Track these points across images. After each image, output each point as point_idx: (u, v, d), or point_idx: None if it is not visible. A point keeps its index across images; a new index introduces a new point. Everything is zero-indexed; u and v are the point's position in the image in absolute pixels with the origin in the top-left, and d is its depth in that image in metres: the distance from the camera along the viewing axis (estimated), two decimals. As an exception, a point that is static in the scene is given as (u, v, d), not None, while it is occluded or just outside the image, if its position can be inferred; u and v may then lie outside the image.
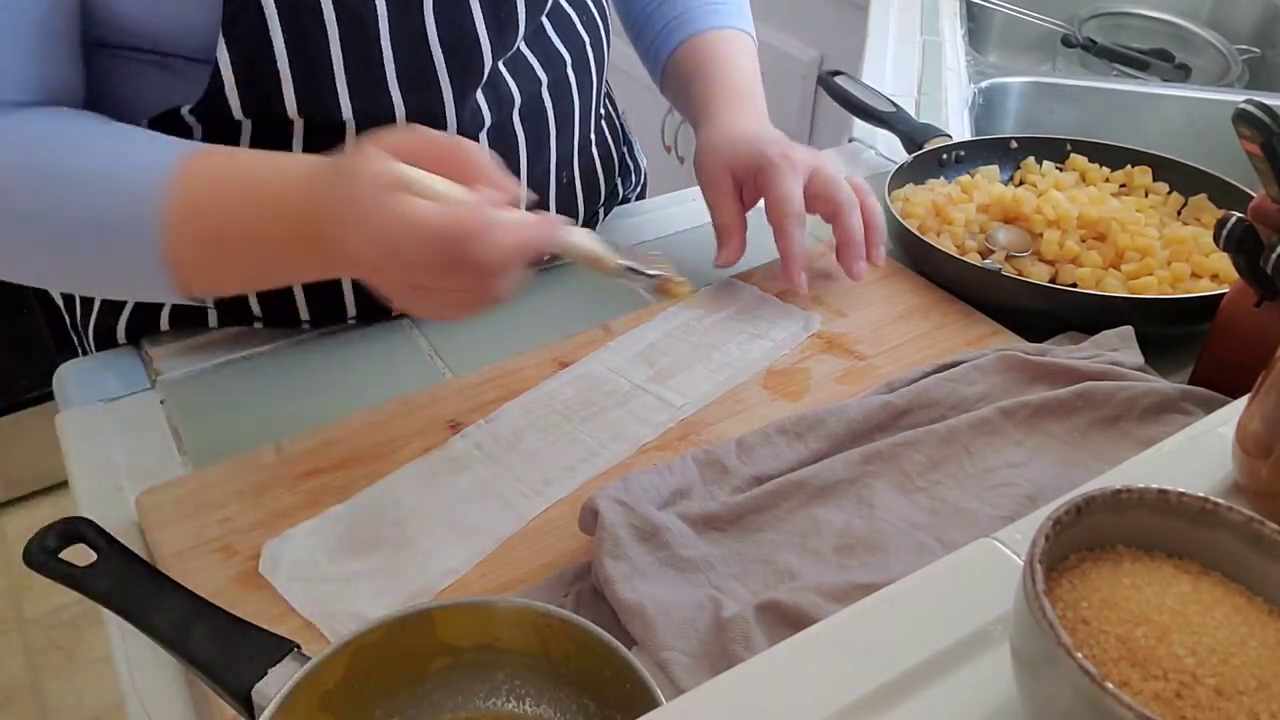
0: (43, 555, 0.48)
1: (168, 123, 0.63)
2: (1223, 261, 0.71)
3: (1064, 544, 0.35)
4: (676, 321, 0.73)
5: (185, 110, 0.62)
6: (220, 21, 0.58)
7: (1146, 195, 0.84)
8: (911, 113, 0.98)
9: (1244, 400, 0.46)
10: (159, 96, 0.62)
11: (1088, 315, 0.69)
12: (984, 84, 1.14)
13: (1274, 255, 0.57)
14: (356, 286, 0.73)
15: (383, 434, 0.62)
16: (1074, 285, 0.73)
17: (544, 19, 0.74)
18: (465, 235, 0.48)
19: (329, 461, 0.60)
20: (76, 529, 0.50)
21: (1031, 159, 0.88)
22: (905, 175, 0.85)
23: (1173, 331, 0.70)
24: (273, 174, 0.55)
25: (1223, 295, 0.63)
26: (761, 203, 0.73)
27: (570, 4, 0.77)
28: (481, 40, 0.66)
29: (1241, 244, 0.58)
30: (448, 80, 0.65)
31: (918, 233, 0.76)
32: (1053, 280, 0.75)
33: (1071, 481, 0.55)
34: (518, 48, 0.71)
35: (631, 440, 0.62)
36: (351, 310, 0.74)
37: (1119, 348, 0.66)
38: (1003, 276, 0.73)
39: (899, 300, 0.75)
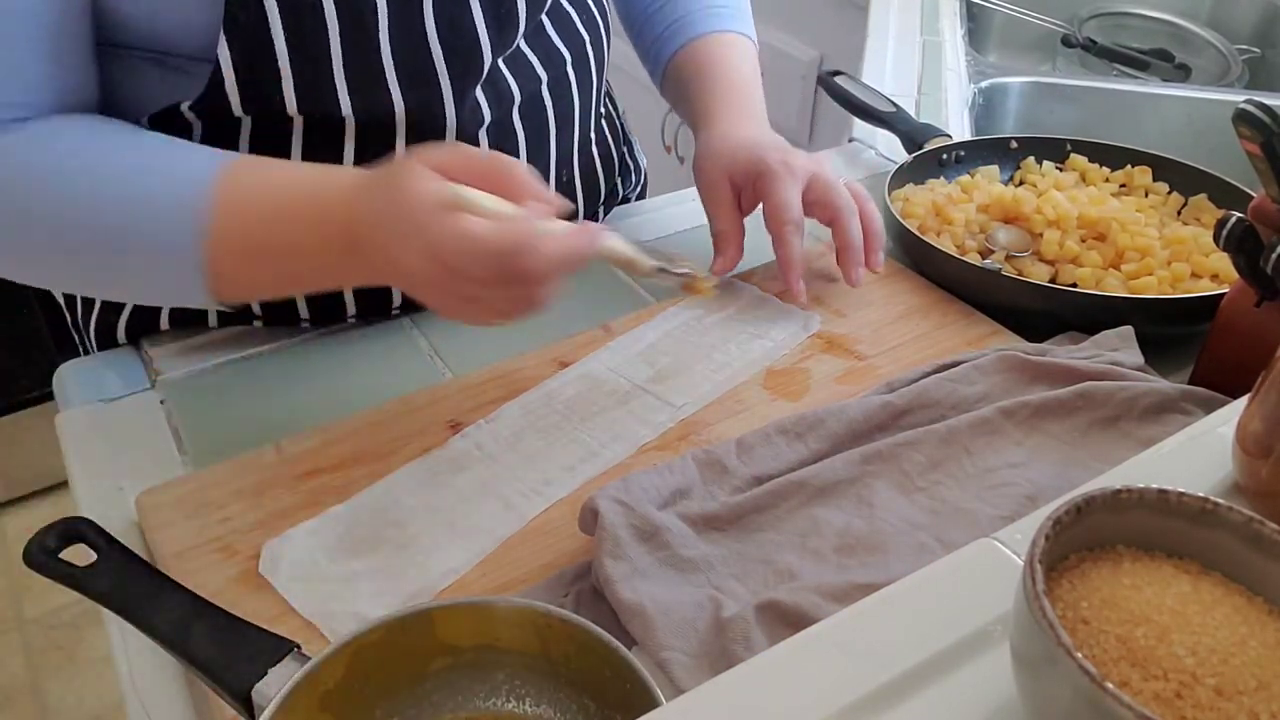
0: (43, 555, 0.48)
1: (167, 120, 0.63)
2: (1223, 261, 0.71)
3: (1064, 544, 0.35)
4: (676, 321, 0.73)
5: (185, 107, 0.62)
6: (221, 20, 0.58)
7: (1146, 195, 0.84)
8: (911, 113, 0.98)
9: (1244, 400, 0.46)
10: (159, 94, 0.62)
11: (1088, 315, 0.69)
12: (984, 84, 1.14)
13: (1274, 255, 0.57)
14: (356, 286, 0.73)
15: (383, 434, 0.62)
16: (1074, 285, 0.73)
17: (544, 17, 0.74)
18: (517, 250, 0.51)
19: (329, 461, 0.60)
20: (76, 529, 0.50)
21: (1031, 159, 0.88)
22: (905, 175, 0.85)
23: (1173, 331, 0.70)
24: (317, 186, 0.56)
25: (1223, 295, 0.63)
26: (760, 207, 0.73)
27: (570, 3, 0.77)
28: (481, 38, 0.66)
29: (1241, 244, 0.58)
30: (447, 78, 0.65)
31: (918, 233, 0.76)
32: (1053, 280, 0.75)
33: (1071, 481, 0.55)
34: (517, 46, 0.71)
35: (631, 440, 0.62)
36: (351, 309, 0.74)
37: (1119, 348, 0.66)
38: (1003, 276, 0.73)
39: (899, 300, 0.75)
